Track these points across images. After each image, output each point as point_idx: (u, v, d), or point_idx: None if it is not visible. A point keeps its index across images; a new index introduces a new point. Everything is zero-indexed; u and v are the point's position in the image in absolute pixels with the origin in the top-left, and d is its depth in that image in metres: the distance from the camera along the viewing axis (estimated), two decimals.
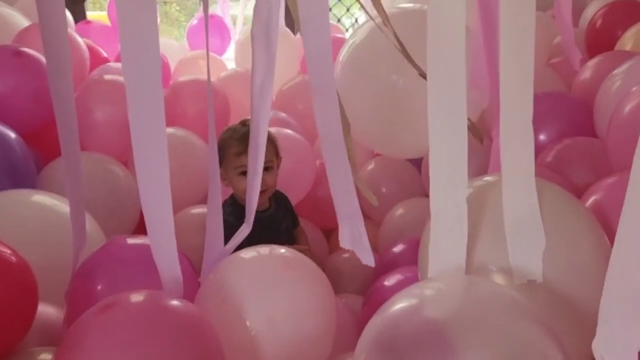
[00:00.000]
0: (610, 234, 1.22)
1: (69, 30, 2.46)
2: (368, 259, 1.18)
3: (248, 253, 1.21)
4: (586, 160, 1.68)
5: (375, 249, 2.33)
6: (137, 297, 1.03)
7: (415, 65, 1.59)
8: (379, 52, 2.04)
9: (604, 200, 1.30)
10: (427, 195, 1.06)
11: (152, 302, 1.02)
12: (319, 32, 1.12)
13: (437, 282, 0.96)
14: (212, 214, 1.24)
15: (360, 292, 2.05)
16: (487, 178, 1.23)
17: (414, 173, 2.42)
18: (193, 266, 1.33)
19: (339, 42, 2.61)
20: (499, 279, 1.07)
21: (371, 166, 2.49)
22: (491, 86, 1.71)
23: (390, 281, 1.50)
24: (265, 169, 1.69)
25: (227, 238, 1.70)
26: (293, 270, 1.17)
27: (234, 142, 1.76)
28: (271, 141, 1.77)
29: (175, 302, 1.03)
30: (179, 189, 2.20)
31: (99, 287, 1.25)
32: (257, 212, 1.75)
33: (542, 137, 1.89)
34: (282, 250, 1.22)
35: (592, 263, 1.08)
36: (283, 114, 2.57)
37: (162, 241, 1.12)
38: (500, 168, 1.09)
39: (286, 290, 1.13)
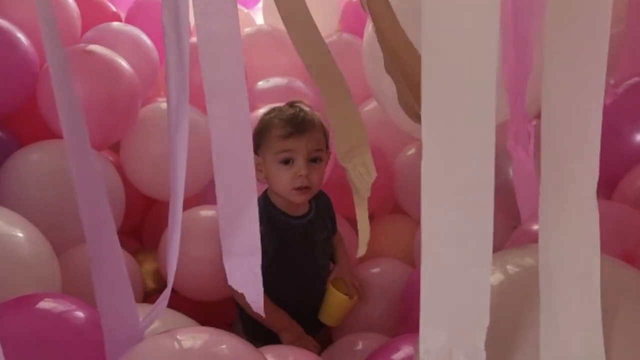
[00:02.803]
0: None
1: None
2: (258, 306, 0.89)
3: (164, 346, 0.84)
4: None
5: (411, 256, 1.96)
6: None
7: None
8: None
9: None
10: None
11: None
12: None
13: None
14: (104, 284, 0.86)
15: (387, 311, 1.66)
16: (526, 257, 0.79)
17: None
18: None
19: None
20: None
21: (411, 151, 2.04)
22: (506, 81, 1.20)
23: (398, 353, 1.10)
24: (313, 160, 1.42)
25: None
26: None
27: (279, 122, 1.44)
28: (322, 127, 1.46)
29: None
30: None
31: None
32: (293, 217, 1.49)
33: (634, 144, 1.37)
34: (215, 345, 0.84)
35: None
36: (300, 82, 2.12)
37: None
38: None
39: None
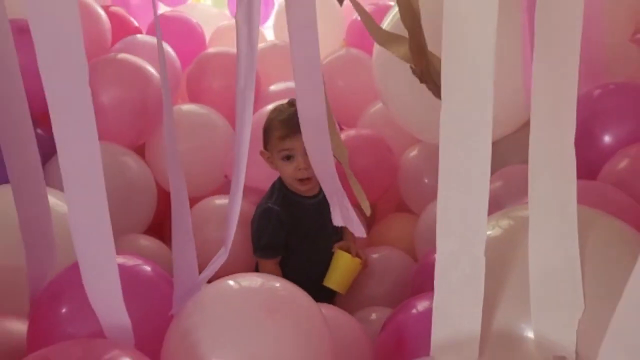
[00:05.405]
0: None
1: None
2: (359, 231, 1.21)
3: (225, 288, 1.01)
4: None
5: (412, 245, 2.13)
6: (75, 349, 0.86)
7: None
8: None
9: None
10: None
11: (90, 357, 0.85)
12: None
13: None
14: (178, 235, 1.04)
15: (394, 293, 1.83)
16: (517, 212, 0.98)
17: None
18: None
19: (386, 10, 2.33)
20: (530, 350, 0.82)
21: (414, 153, 2.22)
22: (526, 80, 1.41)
23: (415, 308, 1.27)
24: None
25: (272, 229, 1.66)
26: (279, 314, 0.96)
27: (278, 124, 1.66)
28: None
29: (118, 357, 0.86)
30: (197, 171, 2.09)
31: (65, 312, 1.10)
32: (304, 197, 1.72)
33: (608, 140, 1.57)
34: (270, 285, 1.01)
35: None
36: None
37: (99, 277, 0.94)
38: None
39: (267, 339, 0.93)
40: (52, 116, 0.84)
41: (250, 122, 1.03)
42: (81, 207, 0.89)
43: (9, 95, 1.07)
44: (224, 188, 2.19)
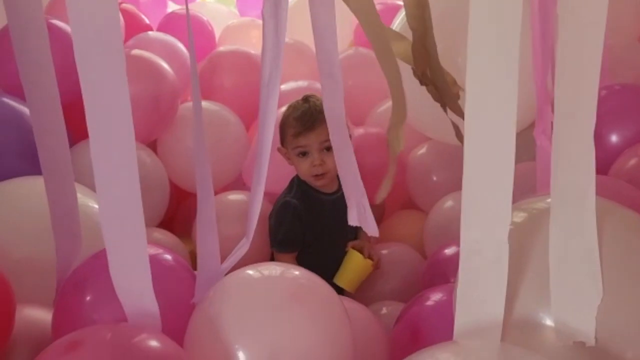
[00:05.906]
0: None
1: None
2: (373, 230, 1.24)
3: (247, 276, 1.03)
4: None
5: (420, 242, 2.16)
6: (105, 334, 0.88)
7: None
8: (436, 25, 1.80)
9: None
10: None
11: (121, 339, 0.88)
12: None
13: (463, 350, 0.76)
14: (203, 225, 1.07)
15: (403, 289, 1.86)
16: (538, 202, 1.00)
17: None
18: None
19: (395, 9, 2.36)
20: (550, 337, 0.85)
21: (422, 151, 2.25)
22: (536, 77, 1.43)
23: (430, 300, 1.30)
24: (327, 148, 1.65)
25: (290, 223, 1.69)
26: (301, 302, 0.98)
27: (292, 122, 1.69)
28: None
29: (148, 340, 0.88)
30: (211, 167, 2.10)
31: (89, 299, 1.12)
32: (323, 194, 1.75)
33: (615, 139, 1.60)
34: (292, 274, 1.04)
35: None
36: (318, 85, 2.35)
37: (128, 264, 0.95)
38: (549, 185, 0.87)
39: (289, 326, 0.95)
40: (85, 99, 0.86)
41: (275, 115, 1.05)
42: (113, 194, 0.91)
43: (44, 89, 1.10)
44: (236, 185, 2.22)
